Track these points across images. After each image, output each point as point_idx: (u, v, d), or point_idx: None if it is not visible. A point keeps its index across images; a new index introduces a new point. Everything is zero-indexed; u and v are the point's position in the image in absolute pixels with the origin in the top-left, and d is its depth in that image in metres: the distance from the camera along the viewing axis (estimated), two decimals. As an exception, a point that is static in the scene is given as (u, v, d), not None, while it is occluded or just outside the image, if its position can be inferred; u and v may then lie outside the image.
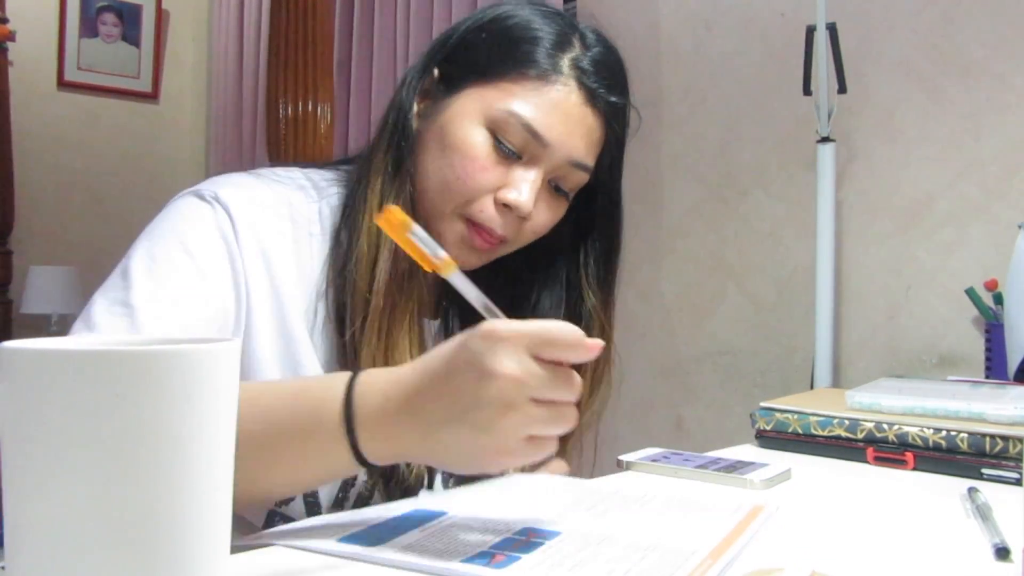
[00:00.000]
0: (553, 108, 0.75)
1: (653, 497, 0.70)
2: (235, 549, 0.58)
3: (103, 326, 0.67)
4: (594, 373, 0.85)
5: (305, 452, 0.60)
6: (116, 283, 0.70)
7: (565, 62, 0.76)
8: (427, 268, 0.57)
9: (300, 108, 2.21)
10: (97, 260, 3.37)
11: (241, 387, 0.67)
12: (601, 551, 0.55)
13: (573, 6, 2.33)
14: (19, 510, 0.36)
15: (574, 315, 0.86)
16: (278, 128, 2.22)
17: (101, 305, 0.69)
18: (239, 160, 3.45)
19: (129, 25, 3.64)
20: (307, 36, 2.23)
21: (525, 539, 0.57)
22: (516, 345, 0.54)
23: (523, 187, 0.76)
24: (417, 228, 0.56)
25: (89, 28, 3.54)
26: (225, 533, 0.40)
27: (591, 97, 0.77)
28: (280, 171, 0.83)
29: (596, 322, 0.86)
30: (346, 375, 0.60)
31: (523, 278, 0.87)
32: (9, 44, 3.08)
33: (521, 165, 0.76)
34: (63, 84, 3.49)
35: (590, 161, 0.79)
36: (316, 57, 2.24)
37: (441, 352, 0.57)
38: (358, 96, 2.86)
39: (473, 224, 0.77)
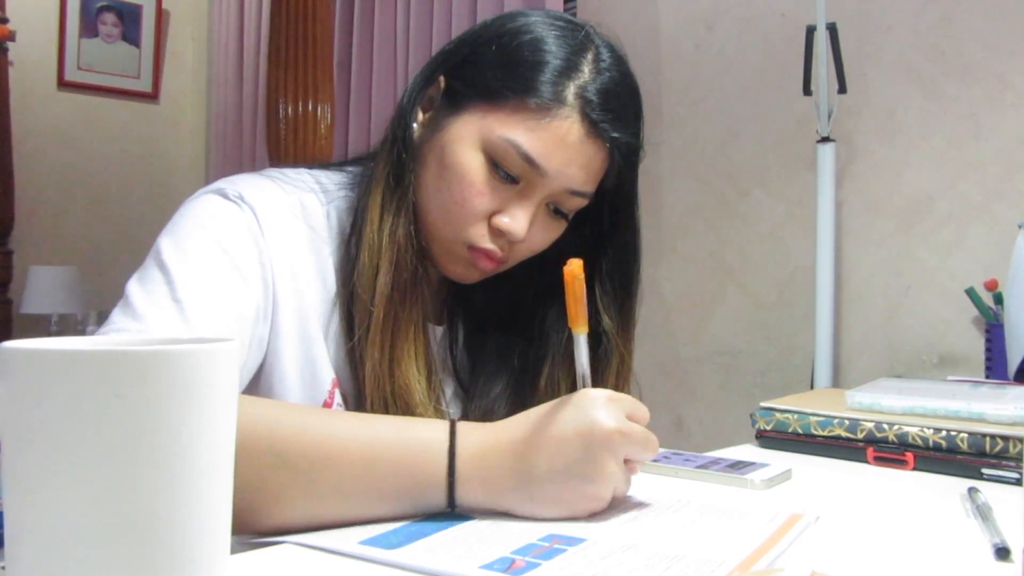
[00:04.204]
0: (553, 140, 0.73)
1: (688, 503, 0.68)
2: (246, 545, 0.57)
3: (150, 317, 0.64)
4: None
5: (399, 486, 0.62)
6: (154, 276, 0.68)
7: (570, 91, 0.73)
8: (570, 324, 0.66)
9: (300, 108, 2.21)
10: (97, 260, 3.40)
11: (339, 413, 0.71)
12: (625, 559, 0.54)
13: (573, 6, 2.33)
14: (19, 510, 0.36)
15: (592, 336, 0.85)
16: (278, 128, 2.22)
17: (143, 298, 0.66)
18: (239, 160, 3.44)
19: (129, 25, 3.64)
20: (307, 36, 2.23)
21: (548, 545, 0.56)
22: (617, 405, 0.63)
23: (517, 213, 0.75)
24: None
25: (89, 28, 3.54)
26: (225, 533, 0.40)
27: (594, 129, 0.74)
28: (290, 172, 0.82)
29: (615, 347, 0.85)
30: (442, 421, 0.64)
31: (528, 288, 0.86)
32: (9, 44, 3.08)
33: (518, 190, 0.75)
34: (63, 84, 3.49)
35: (589, 188, 0.78)
36: (316, 57, 2.24)
37: (542, 410, 0.64)
38: (358, 96, 2.86)
39: (474, 248, 0.77)
